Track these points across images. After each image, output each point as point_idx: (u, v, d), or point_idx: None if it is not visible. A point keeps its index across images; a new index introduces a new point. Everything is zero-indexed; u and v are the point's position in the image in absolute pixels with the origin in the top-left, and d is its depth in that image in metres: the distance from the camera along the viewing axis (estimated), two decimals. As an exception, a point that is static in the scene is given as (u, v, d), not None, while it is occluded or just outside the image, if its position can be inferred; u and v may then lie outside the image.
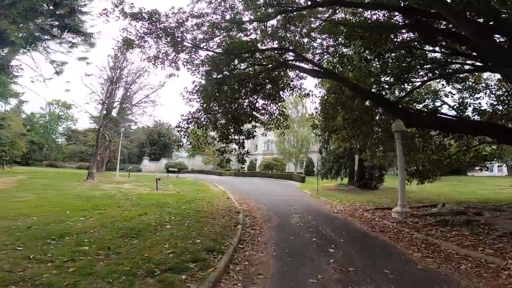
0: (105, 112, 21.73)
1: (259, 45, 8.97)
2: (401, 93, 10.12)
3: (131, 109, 34.24)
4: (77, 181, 16.44)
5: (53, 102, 59.38)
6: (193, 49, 8.68)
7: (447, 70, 9.97)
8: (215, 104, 9.00)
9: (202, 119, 9.00)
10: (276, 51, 9.12)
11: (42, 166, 47.21)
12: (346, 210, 9.47)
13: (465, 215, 7.16)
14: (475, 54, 8.06)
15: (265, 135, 10.66)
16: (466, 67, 9.67)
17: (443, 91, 10.81)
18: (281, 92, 9.96)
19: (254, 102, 9.62)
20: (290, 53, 9.23)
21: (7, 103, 29.06)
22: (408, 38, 8.81)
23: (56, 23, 16.68)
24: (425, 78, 10.19)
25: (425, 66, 9.62)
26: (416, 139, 10.64)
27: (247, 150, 9.23)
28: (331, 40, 9.12)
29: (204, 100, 8.72)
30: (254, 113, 9.93)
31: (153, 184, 16.47)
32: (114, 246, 4.33)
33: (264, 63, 9.14)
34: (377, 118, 10.50)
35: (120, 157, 52.43)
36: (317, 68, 9.46)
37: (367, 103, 10.32)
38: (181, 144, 9.86)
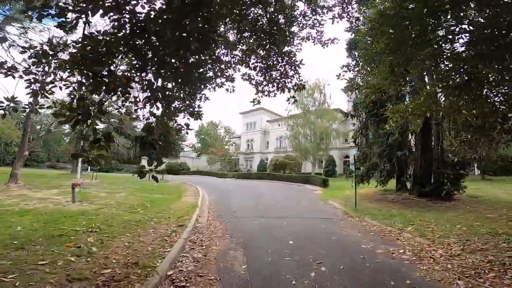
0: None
1: None
2: None
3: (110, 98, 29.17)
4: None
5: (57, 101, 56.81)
6: None
7: None
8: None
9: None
10: None
11: (42, 168, 43.89)
12: (478, 277, 3.08)
13: None
14: None
15: (258, 103, 5.85)
16: None
17: None
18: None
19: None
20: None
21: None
22: None
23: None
24: None
25: None
26: None
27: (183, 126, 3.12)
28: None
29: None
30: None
31: (103, 192, 10.99)
32: None
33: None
34: None
35: (118, 157, 48.55)
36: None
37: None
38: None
